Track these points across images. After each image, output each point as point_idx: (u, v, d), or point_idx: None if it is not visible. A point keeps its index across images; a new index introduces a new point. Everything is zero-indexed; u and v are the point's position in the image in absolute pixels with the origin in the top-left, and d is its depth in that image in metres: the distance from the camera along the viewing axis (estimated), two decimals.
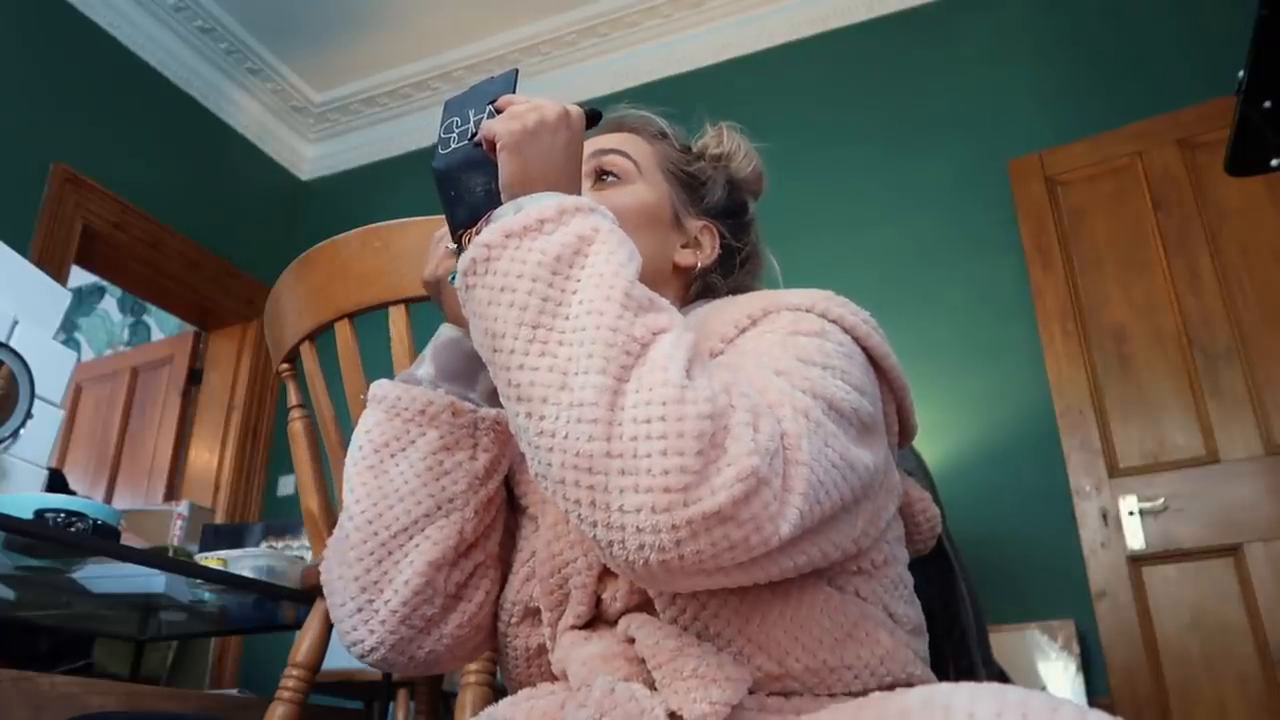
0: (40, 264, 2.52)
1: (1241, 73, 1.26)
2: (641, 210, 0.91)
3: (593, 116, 0.80)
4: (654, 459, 0.56)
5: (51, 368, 1.71)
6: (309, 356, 1.34)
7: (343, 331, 1.29)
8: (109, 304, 4.93)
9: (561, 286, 0.64)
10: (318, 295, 1.29)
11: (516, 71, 0.80)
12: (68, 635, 2.11)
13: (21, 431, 1.61)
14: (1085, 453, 2.45)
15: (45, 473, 1.71)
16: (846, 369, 0.71)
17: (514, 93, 0.78)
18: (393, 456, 0.80)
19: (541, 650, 0.79)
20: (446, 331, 0.86)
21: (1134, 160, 2.61)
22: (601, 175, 0.93)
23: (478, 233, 0.70)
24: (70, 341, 4.80)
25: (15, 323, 1.66)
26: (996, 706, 0.47)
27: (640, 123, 1.01)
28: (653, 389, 0.58)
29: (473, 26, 3.70)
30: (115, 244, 3.31)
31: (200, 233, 3.59)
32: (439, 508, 0.79)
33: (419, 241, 1.19)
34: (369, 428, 0.82)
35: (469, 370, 0.85)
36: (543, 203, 0.68)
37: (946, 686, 0.49)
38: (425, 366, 0.85)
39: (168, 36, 3.59)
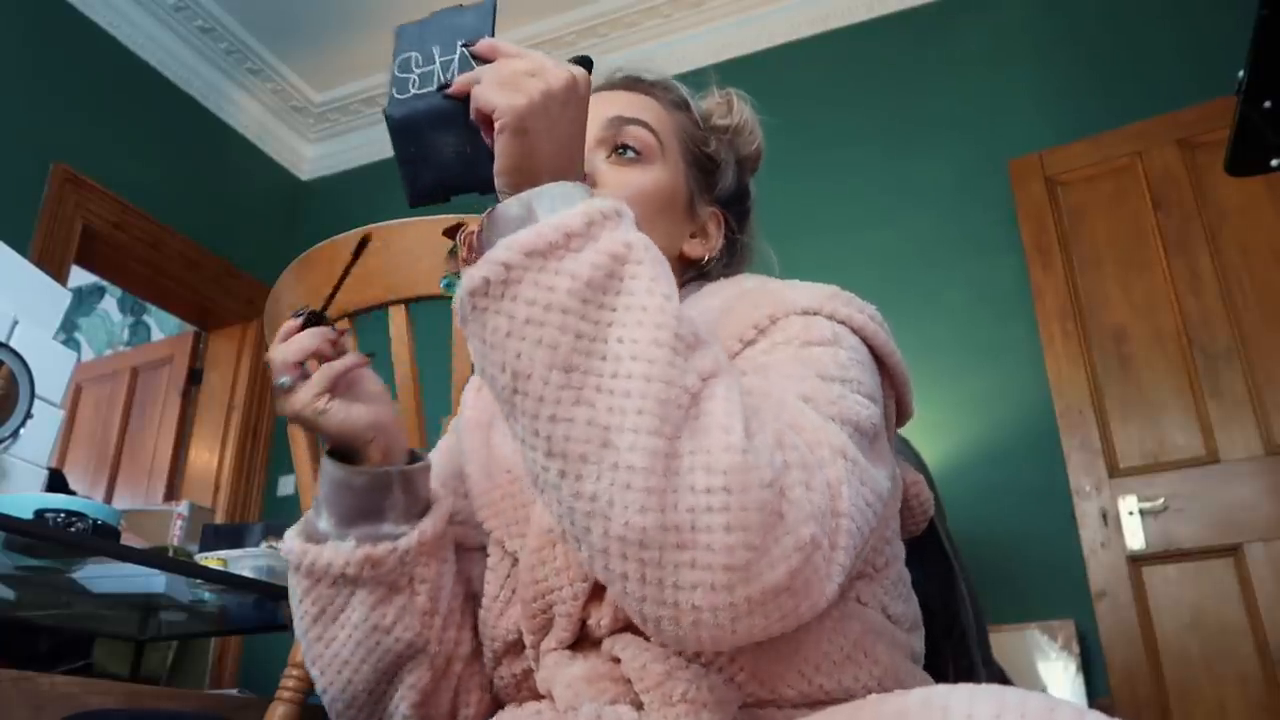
0: (40, 264, 2.52)
1: (1241, 73, 1.26)
2: (659, 195, 0.83)
3: (588, 67, 0.68)
4: (715, 534, 0.51)
5: (51, 368, 1.71)
6: None
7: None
8: (109, 304, 4.93)
9: (595, 319, 0.55)
10: (318, 295, 1.29)
11: (494, 3, 0.66)
12: (68, 635, 2.11)
13: (21, 431, 1.61)
14: (1085, 453, 2.45)
15: (45, 473, 1.71)
16: (861, 379, 0.70)
17: (492, 33, 0.65)
18: (335, 621, 0.75)
19: (528, 673, 0.77)
20: (332, 471, 0.73)
21: (1134, 160, 2.61)
22: (620, 148, 0.83)
23: (478, 234, 0.61)
24: (70, 341, 4.80)
25: (15, 323, 1.66)
26: (995, 708, 0.46)
27: (660, 86, 0.91)
28: (712, 453, 0.52)
29: None
30: (115, 244, 3.30)
31: (200, 233, 3.59)
32: (400, 656, 0.75)
33: (419, 242, 1.19)
34: (299, 598, 0.76)
35: (371, 505, 0.74)
36: (568, 211, 0.58)
37: (944, 688, 0.49)
38: (323, 518, 0.75)
39: (168, 36, 3.59)
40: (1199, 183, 2.51)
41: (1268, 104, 1.27)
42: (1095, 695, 2.29)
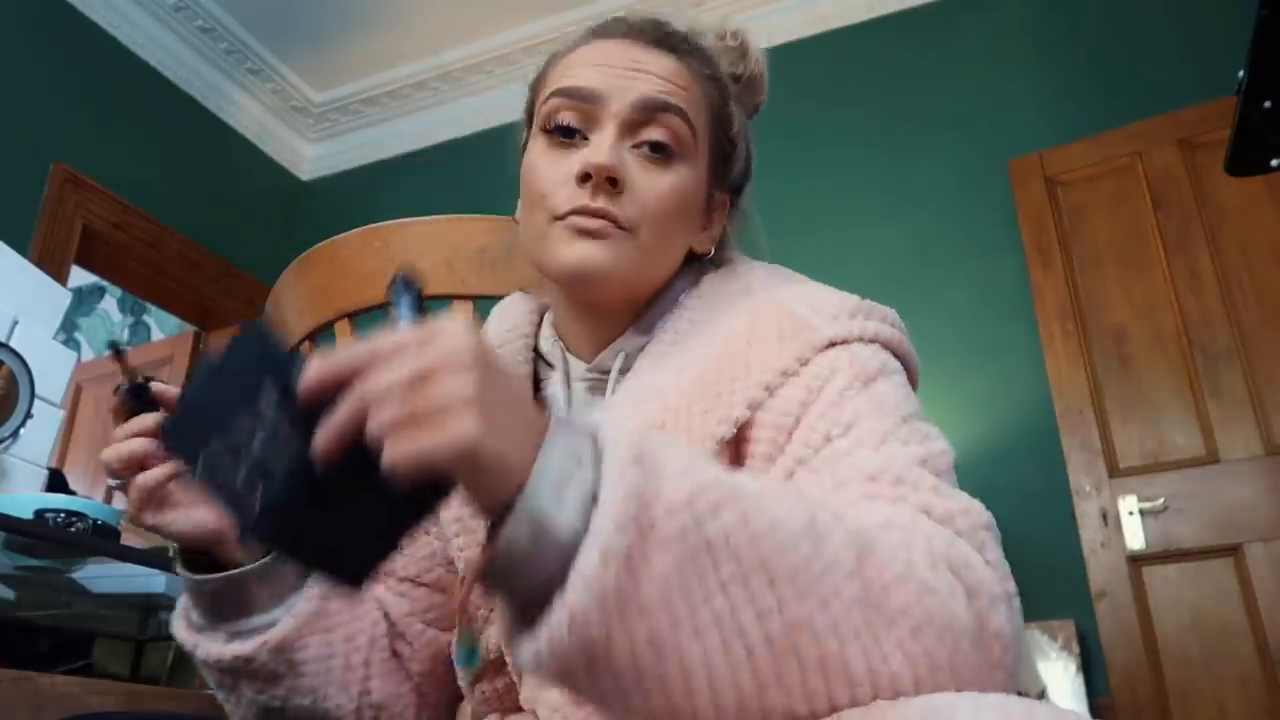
0: (40, 264, 2.52)
1: (1241, 73, 1.26)
2: (682, 198, 0.72)
3: (417, 299, 0.51)
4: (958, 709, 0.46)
5: (51, 368, 1.71)
6: None
7: (343, 331, 1.28)
8: (109, 304, 4.93)
9: (717, 606, 0.42)
10: (318, 295, 1.29)
11: (271, 331, 0.48)
12: (68, 635, 2.11)
13: (21, 431, 1.62)
14: (1085, 453, 2.45)
15: (45, 473, 1.71)
16: (918, 404, 0.68)
17: (289, 362, 0.45)
18: (232, 695, 0.72)
19: (511, 685, 0.74)
20: (182, 577, 0.69)
21: (1134, 160, 2.61)
22: (653, 143, 0.71)
23: (485, 578, 0.45)
24: (70, 341, 4.80)
25: (15, 323, 1.66)
26: (999, 717, 0.46)
27: (693, 52, 0.75)
28: (917, 636, 0.47)
29: (473, 26, 3.70)
30: (115, 244, 3.31)
31: (200, 233, 3.59)
32: None
33: (419, 242, 1.19)
34: (200, 669, 0.74)
35: (230, 603, 0.69)
36: (599, 512, 0.42)
37: (947, 696, 0.48)
38: (193, 611, 0.71)
39: (168, 36, 3.59)
40: (1199, 183, 2.51)
41: (1268, 104, 1.27)
42: (1095, 695, 2.29)
